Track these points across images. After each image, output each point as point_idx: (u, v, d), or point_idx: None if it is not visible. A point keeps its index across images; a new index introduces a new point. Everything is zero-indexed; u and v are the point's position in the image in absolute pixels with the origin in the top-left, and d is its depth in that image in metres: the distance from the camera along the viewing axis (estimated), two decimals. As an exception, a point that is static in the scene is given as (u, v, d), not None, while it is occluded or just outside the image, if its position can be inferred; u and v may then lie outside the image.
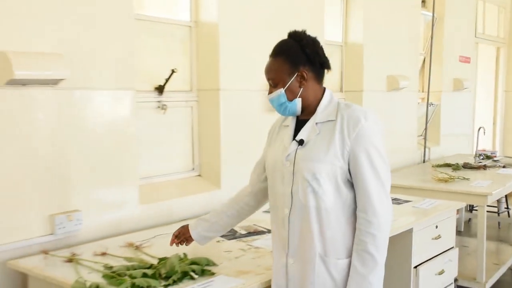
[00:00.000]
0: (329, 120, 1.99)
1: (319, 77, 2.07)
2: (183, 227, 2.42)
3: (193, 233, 2.37)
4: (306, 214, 1.97)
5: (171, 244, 2.42)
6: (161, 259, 2.35)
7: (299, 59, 2.00)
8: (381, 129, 2.00)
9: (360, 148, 1.92)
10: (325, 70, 2.08)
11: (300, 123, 2.07)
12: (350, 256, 1.96)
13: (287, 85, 2.00)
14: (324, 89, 2.08)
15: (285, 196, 2.03)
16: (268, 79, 2.05)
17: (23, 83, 2.46)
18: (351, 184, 1.97)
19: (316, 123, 2.00)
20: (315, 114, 2.03)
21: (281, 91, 2.00)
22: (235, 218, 2.38)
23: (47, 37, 2.57)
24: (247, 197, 2.34)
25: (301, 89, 2.01)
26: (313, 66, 2.02)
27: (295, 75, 2.00)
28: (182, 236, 2.40)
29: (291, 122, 2.12)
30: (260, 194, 2.31)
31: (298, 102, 2.02)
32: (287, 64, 2.00)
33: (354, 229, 1.96)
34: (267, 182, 2.20)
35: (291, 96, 2.01)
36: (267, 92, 2.08)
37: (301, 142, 2.00)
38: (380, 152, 1.95)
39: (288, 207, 2.01)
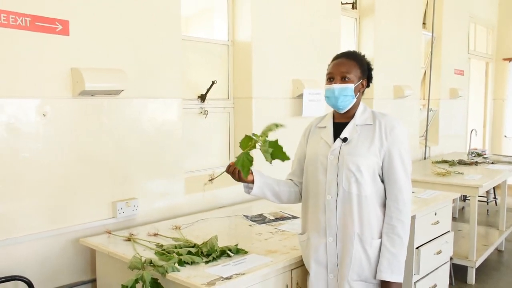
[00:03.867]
0: (367, 124, 2.02)
1: (363, 92, 2.12)
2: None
3: (256, 176, 2.06)
4: (348, 200, 1.98)
5: (227, 168, 2.05)
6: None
7: (365, 72, 2.07)
8: (407, 134, 2.07)
9: (394, 149, 1.98)
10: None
11: (336, 125, 2.10)
12: (381, 237, 1.99)
13: (355, 84, 2.02)
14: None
15: (328, 184, 2.02)
16: (342, 72, 2.01)
17: (92, 93, 2.48)
18: (381, 178, 2.00)
19: (356, 125, 2.03)
20: (354, 118, 2.05)
21: (352, 85, 2.01)
22: (285, 197, 2.21)
23: (111, 55, 2.58)
24: (296, 189, 2.23)
25: (358, 93, 2.05)
26: (368, 82, 2.11)
27: (360, 81, 2.04)
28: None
29: (328, 123, 2.13)
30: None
31: (354, 101, 2.04)
32: (359, 69, 2.04)
33: (384, 214, 2.00)
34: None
35: (355, 93, 2.03)
36: (329, 83, 2.04)
37: (344, 140, 2.01)
38: (407, 152, 2.01)
39: (330, 194, 2.01)
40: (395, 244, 1.95)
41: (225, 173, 2.06)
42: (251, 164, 2.00)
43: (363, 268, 1.99)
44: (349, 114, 2.07)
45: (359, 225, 1.98)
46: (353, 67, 2.02)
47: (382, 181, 2.01)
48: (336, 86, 2.00)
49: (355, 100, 2.04)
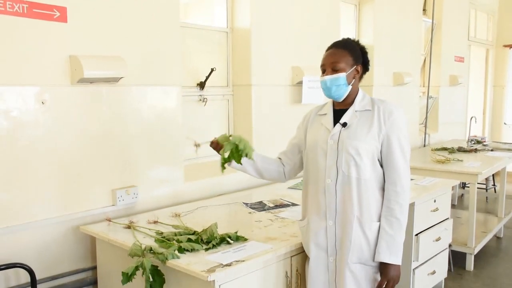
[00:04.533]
0: (366, 110, 2.05)
1: (362, 77, 2.13)
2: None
3: None
4: (348, 183, 2.01)
5: (211, 143, 2.13)
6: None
7: (359, 58, 2.07)
8: (406, 120, 2.08)
9: (393, 133, 2.00)
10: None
11: (336, 112, 2.12)
12: (379, 220, 2.02)
13: (347, 72, 2.03)
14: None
15: (328, 169, 2.04)
16: (332, 63, 2.03)
17: (91, 81, 2.47)
18: (380, 163, 2.03)
19: (355, 111, 2.06)
20: (353, 104, 2.07)
21: (344, 74, 2.02)
22: (268, 175, 2.28)
23: (109, 43, 2.57)
24: (281, 169, 2.29)
25: (353, 80, 2.06)
26: (364, 68, 2.11)
27: (353, 68, 2.05)
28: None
29: (328, 110, 2.15)
30: (291, 171, 2.31)
31: (348, 89, 2.05)
32: (351, 57, 2.04)
33: (383, 198, 2.02)
34: (297, 161, 2.24)
35: (348, 81, 2.04)
36: (323, 75, 2.06)
37: (344, 125, 2.04)
38: (406, 138, 2.04)
39: (330, 178, 2.04)
40: (393, 226, 1.98)
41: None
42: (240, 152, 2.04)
43: (362, 251, 2.01)
44: (348, 101, 2.09)
45: (358, 208, 2.00)
46: (343, 56, 2.03)
47: (381, 165, 2.03)
48: (327, 78, 2.04)
49: (349, 87, 2.05)
